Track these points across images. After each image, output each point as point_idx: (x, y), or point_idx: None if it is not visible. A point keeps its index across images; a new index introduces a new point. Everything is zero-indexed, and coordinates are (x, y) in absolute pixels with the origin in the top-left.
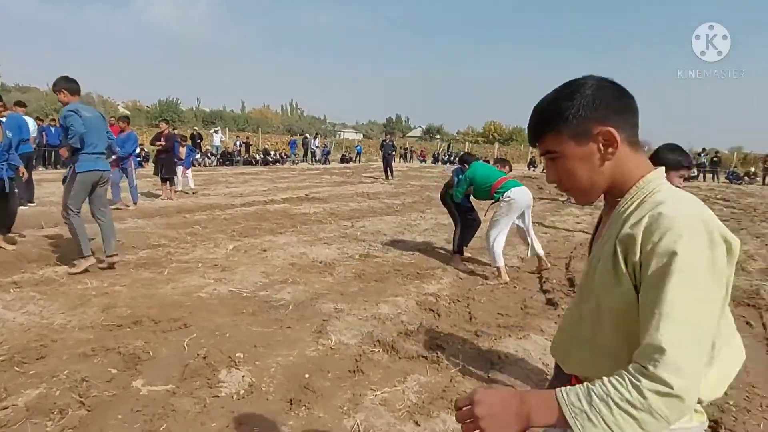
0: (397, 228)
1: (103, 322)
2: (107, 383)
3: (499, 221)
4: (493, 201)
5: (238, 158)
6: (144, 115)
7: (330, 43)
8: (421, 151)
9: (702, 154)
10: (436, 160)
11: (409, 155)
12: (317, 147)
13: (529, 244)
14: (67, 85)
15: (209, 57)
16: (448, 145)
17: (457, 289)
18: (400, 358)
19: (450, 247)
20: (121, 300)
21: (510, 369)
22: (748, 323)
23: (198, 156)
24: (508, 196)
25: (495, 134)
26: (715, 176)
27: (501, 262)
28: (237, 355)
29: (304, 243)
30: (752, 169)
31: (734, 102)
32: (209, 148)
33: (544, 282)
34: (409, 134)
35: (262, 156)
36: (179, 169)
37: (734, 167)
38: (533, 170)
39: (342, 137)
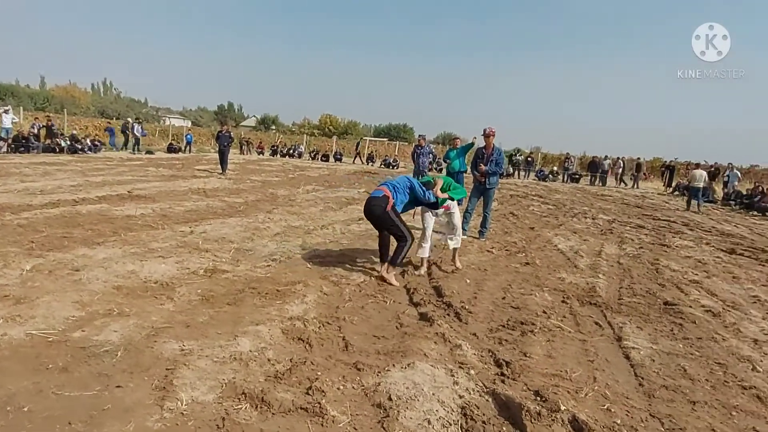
0: (245, 233)
1: None
2: None
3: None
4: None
5: (36, 144)
6: None
7: (141, 15)
8: (260, 143)
9: (517, 155)
10: (274, 152)
11: (246, 147)
12: (140, 134)
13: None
14: None
15: None
16: (357, 144)
17: (324, 309)
18: (273, 413)
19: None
20: None
21: (406, 416)
22: (597, 323)
23: None
24: None
25: (331, 127)
26: (528, 174)
27: None
28: None
29: (132, 257)
30: (555, 168)
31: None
32: None
33: (413, 293)
34: (242, 123)
35: (68, 142)
36: None
37: (540, 166)
38: (371, 165)
39: (168, 123)
